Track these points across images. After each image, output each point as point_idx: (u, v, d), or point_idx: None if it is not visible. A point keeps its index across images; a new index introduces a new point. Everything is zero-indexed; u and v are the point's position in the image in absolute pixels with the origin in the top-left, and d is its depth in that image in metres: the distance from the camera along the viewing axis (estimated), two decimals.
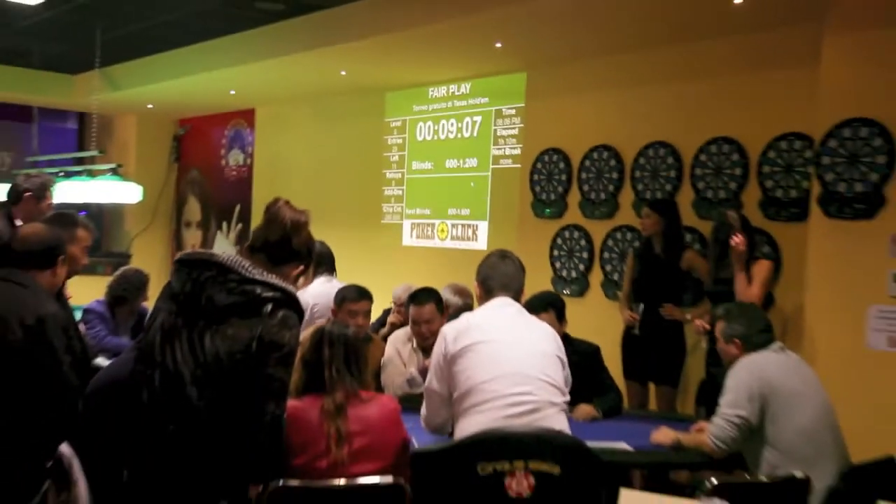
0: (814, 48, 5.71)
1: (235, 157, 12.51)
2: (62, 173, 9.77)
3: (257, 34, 8.77)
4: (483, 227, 8.80)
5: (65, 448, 3.62)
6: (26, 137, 13.61)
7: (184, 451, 2.88)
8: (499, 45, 7.50)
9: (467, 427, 3.60)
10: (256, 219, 11.81)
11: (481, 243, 8.75)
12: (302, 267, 3.23)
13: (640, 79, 7.34)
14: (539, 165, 8.09)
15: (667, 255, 6.39)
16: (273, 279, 2.99)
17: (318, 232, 6.62)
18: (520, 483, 3.34)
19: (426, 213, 9.48)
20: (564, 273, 7.85)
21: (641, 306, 6.40)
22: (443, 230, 9.24)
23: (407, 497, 3.27)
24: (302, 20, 8.20)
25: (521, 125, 8.42)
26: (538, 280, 7.81)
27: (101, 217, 13.41)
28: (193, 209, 13.43)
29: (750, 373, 4.07)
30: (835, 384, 5.20)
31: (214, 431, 2.88)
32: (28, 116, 13.77)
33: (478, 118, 8.92)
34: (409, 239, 9.67)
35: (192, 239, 13.36)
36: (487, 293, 3.96)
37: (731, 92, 6.74)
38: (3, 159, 13.22)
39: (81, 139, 14.32)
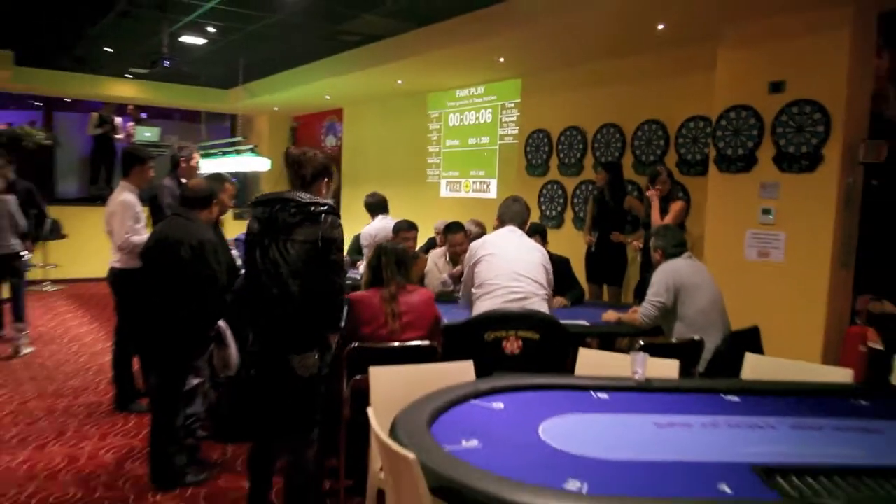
0: (711, 59, 5.67)
1: (330, 141, 12.56)
2: (221, 153, 9.90)
3: (342, 58, 8.78)
4: (493, 183, 8.82)
5: (221, 323, 3.79)
6: (197, 131, 13.69)
7: (288, 320, 3.02)
8: (501, 60, 7.47)
9: (479, 308, 3.73)
10: (346, 182, 12.02)
11: (492, 194, 8.79)
12: (326, 180, 3.21)
13: (596, 81, 7.28)
14: (530, 141, 8.07)
15: (614, 200, 6.41)
16: (317, 198, 3.06)
17: (384, 189, 6.89)
18: (512, 345, 3.47)
19: (455, 174, 9.51)
20: (548, 213, 7.88)
21: (597, 234, 6.46)
22: (467, 186, 9.28)
23: (438, 354, 3.39)
24: (371, 46, 8.21)
25: (518, 114, 8.39)
26: (530, 218, 7.88)
27: (246, 181, 13.59)
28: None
29: (666, 273, 4.13)
30: (725, 282, 5.26)
31: (306, 303, 3.00)
32: (198, 118, 13.90)
33: (489, 110, 8.89)
34: (444, 192, 9.71)
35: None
36: (501, 223, 4.06)
37: (658, 88, 6.69)
38: (185, 145, 13.33)
39: (233, 131, 14.45)
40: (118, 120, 12.38)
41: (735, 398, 2.78)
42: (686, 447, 2.23)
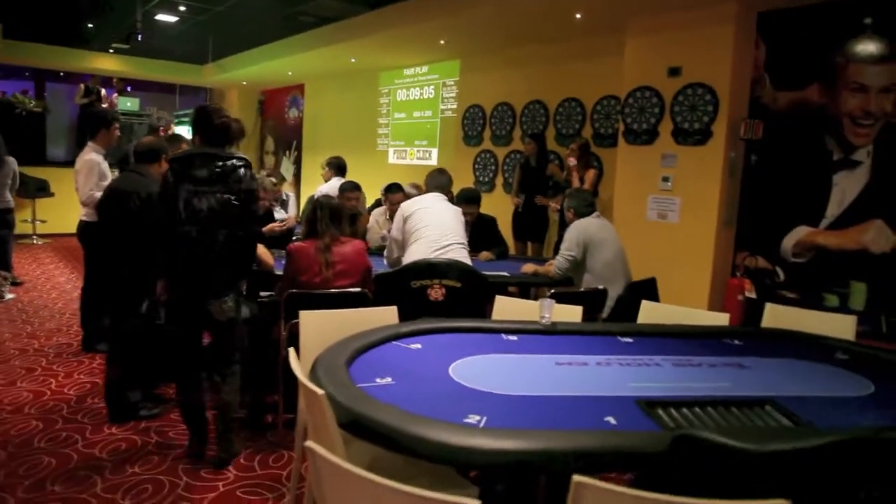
0: (620, 46, 5.50)
1: (293, 113, 12.04)
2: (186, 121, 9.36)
3: (302, 38, 8.33)
4: (434, 152, 8.56)
5: None
6: (173, 102, 13.01)
7: (209, 268, 2.86)
8: (442, 42, 7.16)
9: (411, 252, 3.58)
10: (306, 149, 11.61)
11: (433, 161, 8.53)
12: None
13: (524, 62, 7.05)
14: (467, 115, 7.82)
15: (538, 166, 6.25)
16: (236, 153, 2.91)
17: (335, 153, 6.63)
18: (436, 293, 3.30)
19: (401, 143, 9.21)
20: (481, 179, 7.67)
21: (523, 196, 6.30)
22: (411, 154, 9.00)
23: (369, 300, 3.20)
24: (326, 27, 7.80)
25: (457, 91, 8.11)
26: (465, 182, 7.69)
27: None
28: (269, 143, 12.99)
29: (577, 230, 4.00)
30: (630, 240, 5.20)
31: (226, 251, 2.86)
32: (174, 90, 13.19)
33: (432, 87, 8.58)
34: (392, 159, 9.41)
35: (269, 161, 12.97)
36: (427, 191, 3.91)
37: (576, 70, 6.50)
38: (162, 115, 12.66)
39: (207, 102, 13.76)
40: (103, 91, 11.66)
41: (629, 339, 2.67)
42: (580, 383, 2.10)
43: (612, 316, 3.79)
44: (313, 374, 1.98)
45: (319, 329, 2.59)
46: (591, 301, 3.66)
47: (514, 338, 2.62)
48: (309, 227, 3.28)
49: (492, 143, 7.51)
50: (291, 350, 2.12)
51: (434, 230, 3.55)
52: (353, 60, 8.71)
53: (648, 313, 3.17)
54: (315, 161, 11.25)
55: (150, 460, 3.07)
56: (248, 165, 2.88)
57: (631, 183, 5.40)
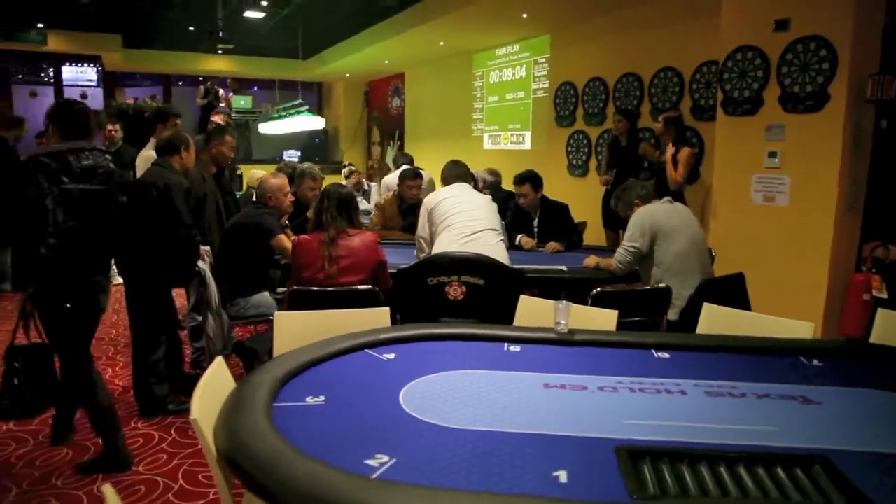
0: (717, 8, 4.68)
1: (395, 102, 11.99)
2: (286, 114, 9.52)
3: (386, 24, 8.18)
4: (527, 135, 8.05)
5: (201, 263, 3.43)
6: (272, 97, 13.43)
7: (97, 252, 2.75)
8: (525, 15, 6.66)
9: (438, 246, 3.23)
10: (409, 138, 11.49)
11: (527, 145, 8.04)
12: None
13: (615, 30, 6.39)
14: (559, 94, 7.25)
15: (629, 146, 5.58)
16: (97, 146, 2.75)
17: (436, 143, 6.34)
18: (455, 291, 2.89)
19: (495, 128, 8.78)
20: (574, 162, 7.08)
21: (613, 172, 5.65)
22: (505, 138, 8.54)
23: (379, 299, 2.86)
24: (408, 11, 7.55)
25: (548, 68, 7.53)
26: (559, 167, 7.15)
27: (327, 141, 13.31)
28: (375, 134, 13.06)
29: (642, 217, 3.41)
30: (731, 226, 4.54)
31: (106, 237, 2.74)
32: (293, 86, 13.52)
33: (523, 66, 8.05)
34: (487, 145, 9.01)
35: (375, 152, 13.05)
36: (446, 182, 3.56)
37: (672, 36, 5.73)
38: (266, 109, 13.06)
39: (319, 97, 14.06)
40: (220, 91, 12.30)
41: (665, 355, 2.11)
42: (557, 416, 1.61)
43: (682, 319, 3.17)
44: (239, 389, 1.68)
45: (295, 331, 2.29)
46: (650, 302, 3.08)
47: (516, 348, 2.16)
48: (316, 218, 3.00)
49: (584, 122, 6.88)
50: (219, 359, 1.82)
51: (461, 217, 3.16)
52: (441, 43, 8.40)
53: (710, 320, 2.55)
54: (417, 150, 11.12)
55: (157, 459, 2.98)
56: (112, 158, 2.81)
57: (731, 161, 4.60)
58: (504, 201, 4.83)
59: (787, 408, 1.69)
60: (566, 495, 1.23)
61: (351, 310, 2.42)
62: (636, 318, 3.08)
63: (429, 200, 3.34)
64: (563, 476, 1.30)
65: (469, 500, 1.16)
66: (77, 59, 12.50)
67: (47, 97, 12.99)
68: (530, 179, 4.42)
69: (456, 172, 3.56)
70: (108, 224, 2.72)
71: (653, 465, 1.35)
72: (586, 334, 2.21)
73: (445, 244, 3.10)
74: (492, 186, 5.57)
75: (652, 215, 3.36)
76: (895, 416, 1.66)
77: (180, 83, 13.37)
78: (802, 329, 2.32)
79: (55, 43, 9.41)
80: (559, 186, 6.62)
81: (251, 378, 1.76)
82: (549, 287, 3.52)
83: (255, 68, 11.86)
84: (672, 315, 3.22)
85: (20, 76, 13.16)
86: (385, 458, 1.37)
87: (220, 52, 10.95)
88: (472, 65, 9.23)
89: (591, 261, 3.67)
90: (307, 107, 8.61)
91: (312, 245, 2.91)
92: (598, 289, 2.90)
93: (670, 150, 4.80)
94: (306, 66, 12.09)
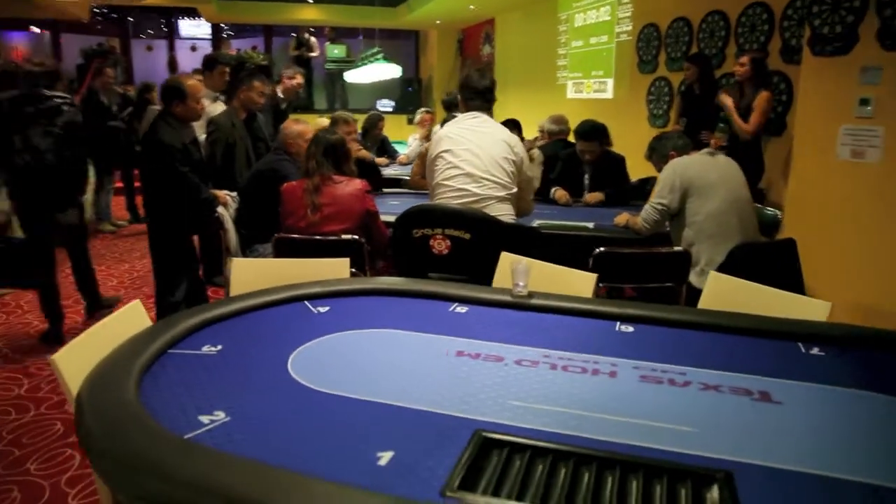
0: None
1: (486, 50, 11.55)
2: (361, 63, 9.37)
3: None
4: (610, 83, 7.43)
5: (220, 209, 3.44)
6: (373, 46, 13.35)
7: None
8: None
9: (435, 195, 2.93)
10: (499, 88, 11.07)
11: (609, 94, 7.44)
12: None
13: None
14: (642, 37, 6.61)
15: (703, 94, 4.98)
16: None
17: (522, 92, 5.87)
18: (440, 244, 2.67)
19: (578, 75, 8.21)
20: (655, 111, 6.48)
21: (684, 121, 5.10)
22: (588, 87, 7.97)
23: (364, 249, 2.72)
24: None
25: (632, 9, 6.87)
26: (639, 118, 6.59)
27: (420, 90, 13.19)
28: None
29: (673, 170, 2.98)
30: (811, 186, 3.95)
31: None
32: (374, 34, 13.45)
33: (608, 7, 7.39)
34: (570, 93, 8.47)
35: None
36: (462, 107, 3.03)
37: None
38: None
39: (416, 45, 13.83)
40: (313, 40, 12.44)
41: (629, 328, 1.82)
42: (438, 389, 1.41)
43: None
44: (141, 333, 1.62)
45: (249, 279, 2.20)
46: (663, 266, 2.72)
47: (462, 309, 1.94)
48: (306, 165, 2.86)
49: (667, 67, 6.24)
50: (136, 302, 1.76)
51: (459, 183, 2.79)
52: None
53: (715, 291, 2.18)
54: (504, 99, 10.71)
55: None
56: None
57: (815, 109, 3.94)
58: (553, 156, 4.48)
59: (730, 405, 1.37)
60: (369, 480, 1.04)
61: (309, 259, 2.29)
62: (652, 285, 2.75)
63: (434, 141, 2.99)
64: (385, 458, 1.11)
65: (221, 464, 1.01)
66: (187, 13, 13.10)
67: (161, 50, 13.79)
68: (598, 135, 4.03)
69: (471, 91, 2.94)
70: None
71: (507, 458, 1.13)
72: (546, 299, 1.95)
73: (438, 196, 2.86)
74: (557, 136, 5.19)
75: (684, 168, 2.94)
76: (868, 430, 1.29)
77: (292, 34, 13.65)
78: (816, 309, 1.91)
79: None
80: (640, 138, 6.04)
81: (164, 321, 1.71)
82: (572, 246, 3.21)
83: (347, 16, 11.83)
84: (700, 283, 2.82)
85: (140, 32, 14.04)
86: (220, 416, 1.26)
87: (309, 1, 11.01)
88: (556, 8, 8.64)
89: (621, 218, 3.30)
90: (382, 54, 8.47)
91: (296, 192, 2.79)
92: (601, 249, 2.58)
93: (726, 98, 4.23)
94: (397, 13, 11.93)
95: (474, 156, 2.82)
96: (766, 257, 2.85)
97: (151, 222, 3.43)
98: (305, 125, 3.65)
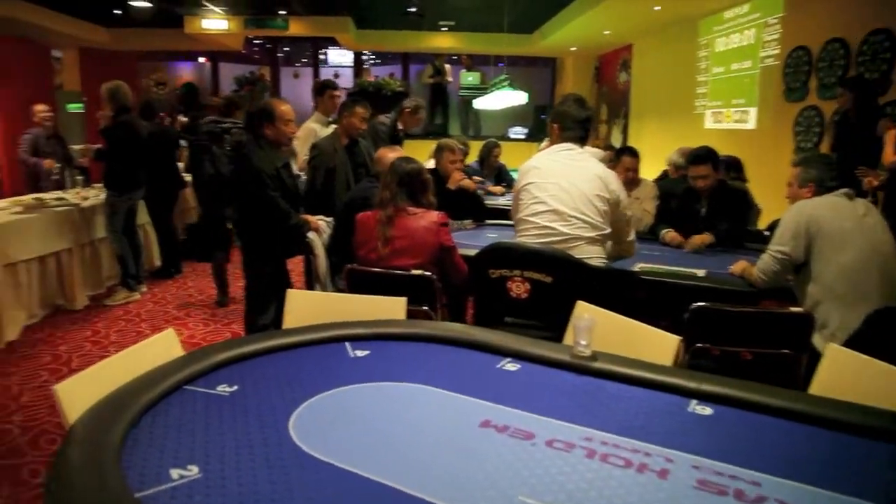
0: None
1: (622, 77, 11.12)
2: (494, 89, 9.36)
3: None
4: (752, 112, 6.79)
5: (310, 234, 3.45)
6: (510, 73, 13.32)
7: None
8: None
9: (519, 231, 2.71)
10: (633, 116, 10.59)
11: (751, 125, 6.80)
12: None
13: None
14: (790, 61, 5.98)
15: (860, 124, 4.34)
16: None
17: (656, 121, 5.51)
18: (518, 287, 2.45)
19: (718, 104, 7.60)
20: (802, 144, 5.82)
21: (836, 155, 4.45)
22: (727, 115, 7.34)
23: (435, 286, 2.55)
24: None
25: (781, 31, 6.23)
26: (784, 150, 5.95)
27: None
28: (603, 111, 12.32)
29: (800, 213, 2.55)
30: None
31: None
32: (520, 62, 13.39)
33: (752, 30, 6.77)
34: (708, 123, 7.86)
35: (602, 130, 12.32)
36: (560, 133, 2.71)
37: None
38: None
39: (553, 73, 13.63)
40: (448, 67, 12.68)
41: (705, 410, 1.50)
42: (449, 472, 1.20)
43: None
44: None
45: (302, 312, 2.13)
46: (777, 330, 2.31)
47: (514, 366, 1.72)
48: (379, 194, 2.77)
49: (818, 95, 5.57)
50: (169, 331, 1.73)
51: (545, 220, 2.55)
52: (657, 8, 7.48)
53: (834, 367, 1.77)
54: (639, 128, 10.22)
55: None
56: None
57: None
58: (668, 192, 4.09)
59: None
60: None
61: (364, 296, 2.17)
62: (765, 351, 2.33)
63: (520, 174, 2.74)
64: None
65: None
66: (330, 43, 13.90)
67: (308, 78, 14.72)
68: (710, 157, 3.62)
69: (570, 119, 2.67)
70: None
71: None
72: (611, 362, 1.68)
73: (521, 233, 2.64)
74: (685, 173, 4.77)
75: (812, 211, 2.50)
76: None
77: (431, 62, 14.08)
78: None
79: (296, 27, 10.48)
80: (784, 173, 5.45)
81: (192, 355, 1.66)
82: (676, 294, 2.84)
83: (481, 44, 11.93)
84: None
85: (293, 60, 15.12)
86: (193, 471, 1.15)
87: (443, 29, 11.22)
88: (696, 33, 8.10)
89: (737, 266, 2.88)
90: (508, 81, 8.37)
91: (370, 223, 2.70)
92: (698, 304, 2.23)
93: (890, 128, 3.60)
94: (531, 40, 11.85)
95: (563, 191, 2.57)
96: None
97: (243, 244, 3.51)
98: (399, 153, 3.59)
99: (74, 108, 10.38)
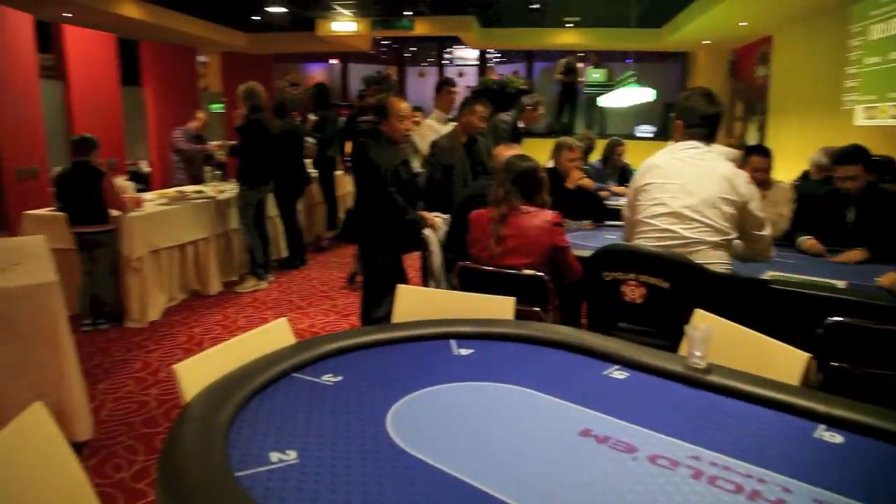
0: None
1: (761, 71, 10.35)
2: (620, 85, 9.04)
3: None
4: None
5: (426, 231, 3.52)
6: (640, 69, 12.83)
7: None
8: None
9: (637, 233, 2.60)
10: (773, 113, 9.85)
11: None
12: None
13: None
14: None
15: None
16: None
17: (798, 118, 5.03)
18: (632, 292, 2.37)
19: (872, 98, 6.86)
20: None
21: None
22: (883, 111, 6.61)
23: (547, 286, 2.51)
24: None
25: None
26: None
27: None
28: (738, 108, 11.55)
29: None
30: None
31: None
32: (648, 58, 12.95)
33: None
34: (860, 120, 7.12)
35: (736, 129, 11.56)
36: (684, 129, 2.55)
37: None
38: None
39: (684, 67, 13.04)
40: (579, 65, 12.44)
41: (835, 438, 1.36)
42: (541, 480, 1.17)
43: None
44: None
45: (410, 309, 2.18)
46: None
47: (621, 375, 1.66)
48: (494, 192, 2.76)
49: None
50: (283, 320, 1.83)
51: (665, 223, 2.42)
52: None
53: None
54: (778, 127, 9.50)
55: None
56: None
57: None
58: (809, 195, 3.76)
59: None
60: None
61: (473, 294, 2.17)
62: None
63: (640, 172, 2.62)
64: None
65: None
66: (454, 42, 14.09)
67: (433, 76, 15.03)
68: (861, 156, 3.28)
69: (694, 115, 2.50)
70: None
71: None
72: (727, 377, 1.57)
73: (639, 235, 2.53)
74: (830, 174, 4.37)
75: None
76: None
77: (562, 59, 13.92)
78: None
79: (421, 27, 10.71)
80: None
81: (303, 343, 1.75)
82: (812, 307, 2.60)
83: (607, 39, 11.59)
84: None
85: (420, 60, 15.50)
86: (291, 456, 1.22)
87: (567, 25, 11.02)
88: (849, 19, 7.35)
89: (886, 279, 2.58)
90: (634, 77, 8.06)
91: (482, 221, 2.70)
92: (835, 318, 2.03)
93: None
94: (660, 34, 11.36)
95: (687, 193, 2.43)
96: None
97: (361, 239, 3.64)
98: (516, 151, 3.57)
99: (216, 108, 11.28)
